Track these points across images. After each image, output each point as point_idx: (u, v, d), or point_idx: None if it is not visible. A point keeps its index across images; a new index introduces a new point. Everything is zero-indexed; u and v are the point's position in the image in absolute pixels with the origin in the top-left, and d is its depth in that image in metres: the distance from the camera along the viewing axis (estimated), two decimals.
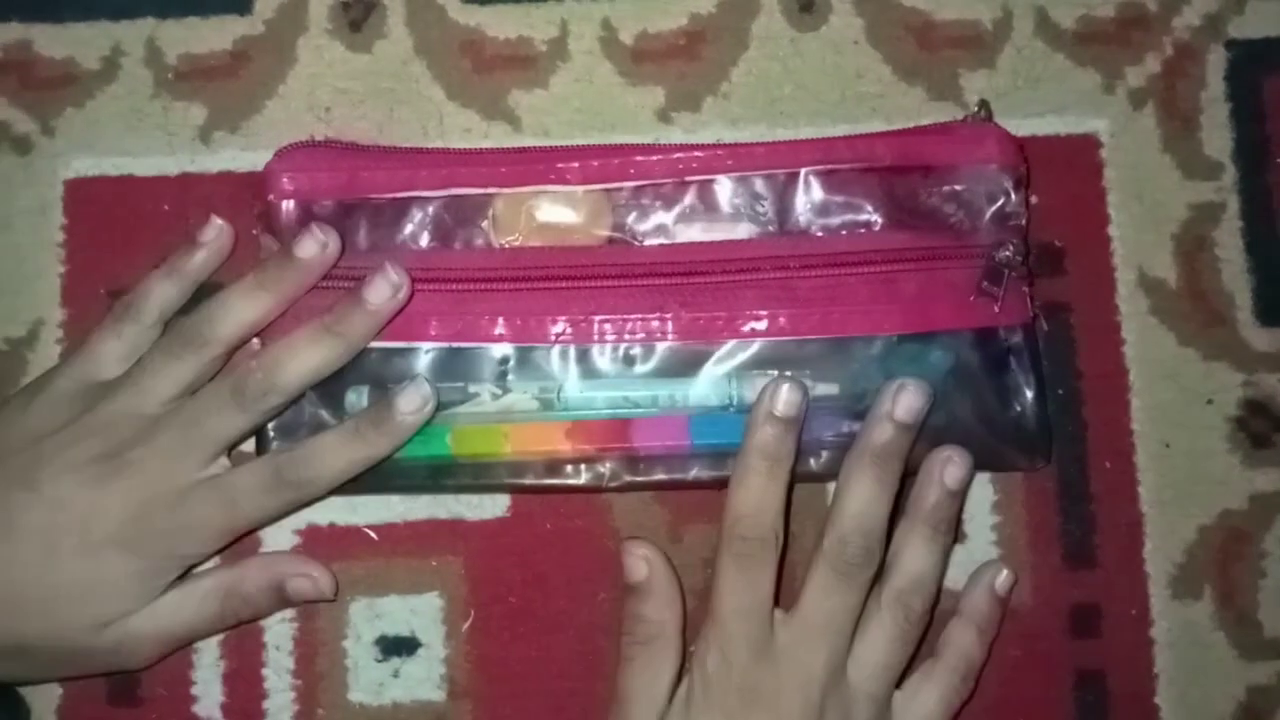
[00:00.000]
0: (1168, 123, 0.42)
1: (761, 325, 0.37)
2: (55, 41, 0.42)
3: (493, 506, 0.40)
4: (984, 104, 0.40)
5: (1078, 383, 0.41)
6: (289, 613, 0.40)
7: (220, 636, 0.40)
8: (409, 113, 0.42)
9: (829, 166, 0.38)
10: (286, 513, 0.38)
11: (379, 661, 0.40)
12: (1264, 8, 0.43)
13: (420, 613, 0.40)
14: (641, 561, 0.36)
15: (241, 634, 0.40)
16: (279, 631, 0.40)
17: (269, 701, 0.40)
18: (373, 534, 0.40)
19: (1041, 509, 0.40)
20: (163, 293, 0.38)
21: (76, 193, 0.42)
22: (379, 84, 0.42)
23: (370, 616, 0.40)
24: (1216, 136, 0.42)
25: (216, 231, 0.39)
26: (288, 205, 0.38)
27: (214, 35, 0.42)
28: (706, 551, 0.40)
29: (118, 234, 0.41)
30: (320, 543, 0.40)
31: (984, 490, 0.41)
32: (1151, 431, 0.41)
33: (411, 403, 0.36)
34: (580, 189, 0.39)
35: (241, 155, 0.42)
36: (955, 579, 0.40)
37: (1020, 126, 0.42)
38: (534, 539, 0.40)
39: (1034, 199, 0.41)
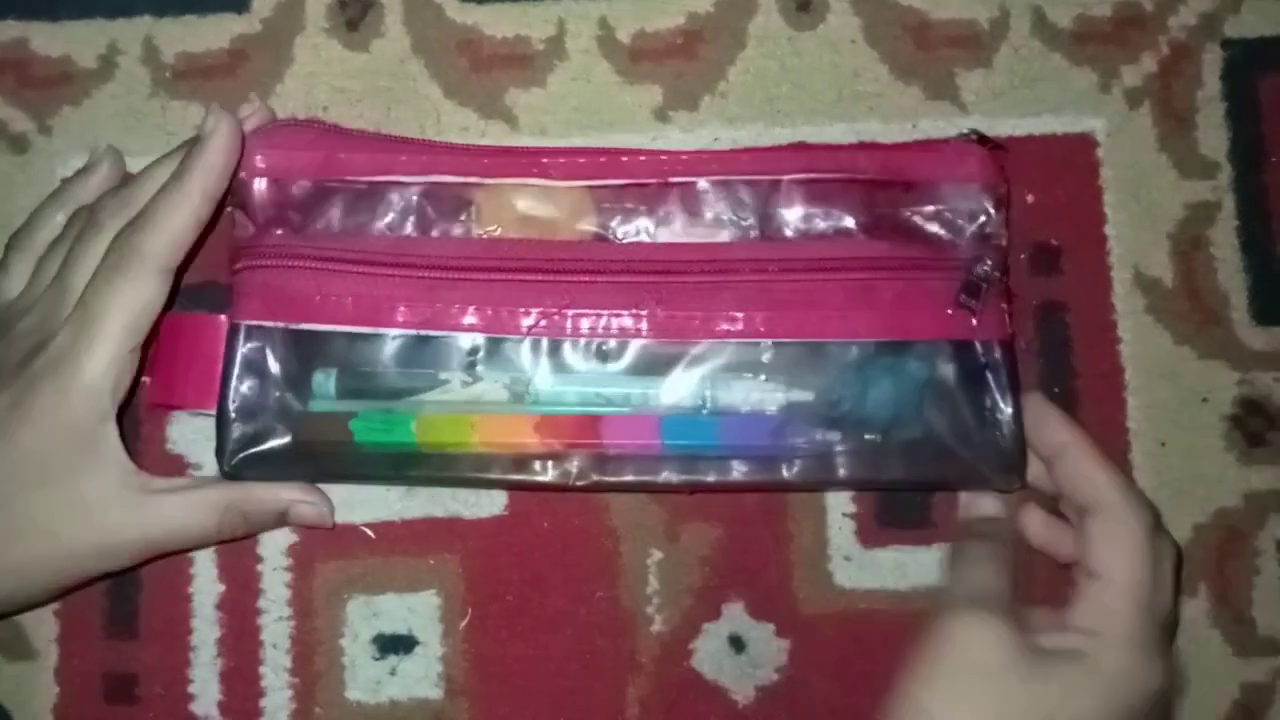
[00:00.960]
0: (1164, 122, 0.42)
1: (737, 326, 0.37)
2: (52, 40, 0.42)
3: (490, 505, 0.40)
4: (975, 133, 0.39)
5: (1074, 381, 0.41)
6: (286, 610, 0.40)
7: (217, 634, 0.40)
8: (406, 111, 0.42)
9: (811, 176, 0.38)
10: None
11: (376, 660, 0.40)
12: (1260, 7, 0.43)
13: (417, 611, 0.40)
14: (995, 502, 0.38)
15: (239, 632, 0.40)
16: (276, 630, 0.40)
17: (266, 700, 0.40)
18: (370, 532, 0.40)
19: None
20: (49, 219, 0.39)
21: None
22: (376, 83, 0.42)
23: (368, 615, 0.40)
24: (1212, 136, 0.42)
25: (101, 157, 0.40)
26: (260, 183, 0.38)
27: (211, 34, 0.42)
28: (705, 550, 0.40)
29: None
30: (318, 541, 0.40)
31: None
32: (1147, 430, 0.41)
33: (210, 120, 0.36)
34: (563, 184, 0.38)
35: None
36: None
37: (1017, 126, 0.42)
38: (531, 538, 0.40)
39: (1030, 198, 0.42)
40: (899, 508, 0.41)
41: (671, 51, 0.43)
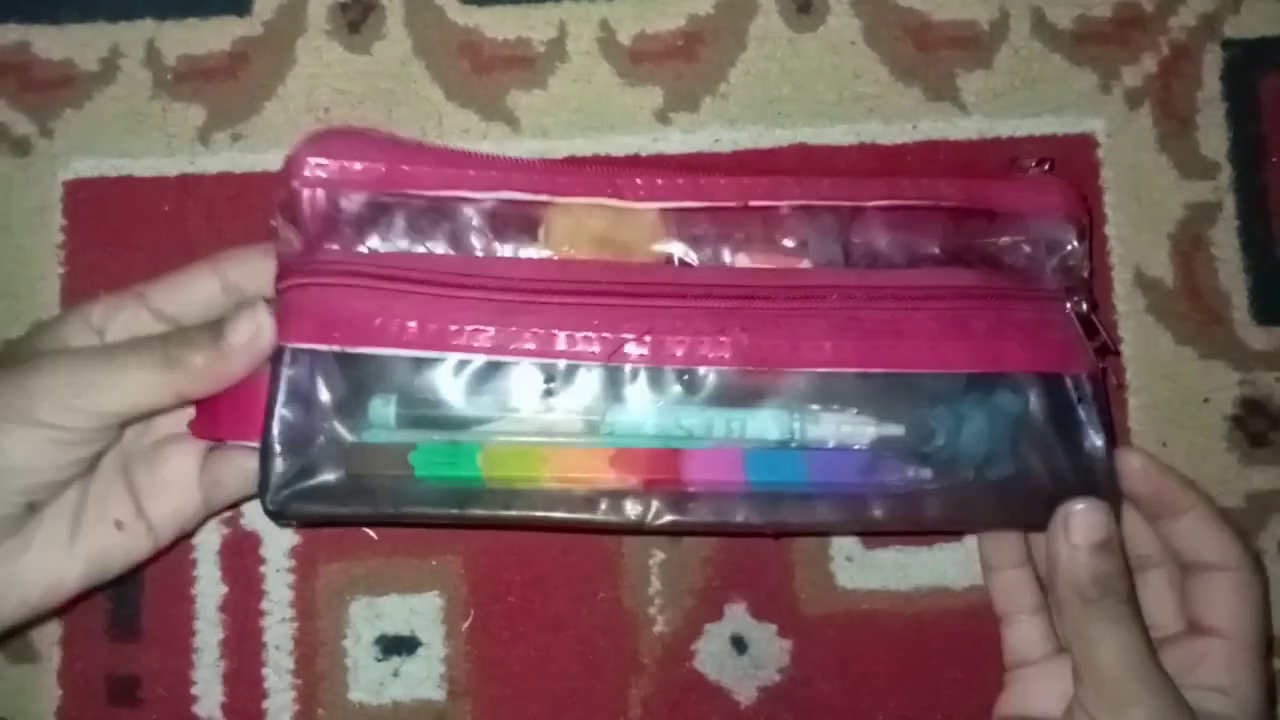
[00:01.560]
0: (1164, 122, 0.42)
1: (826, 355, 0.34)
2: (54, 43, 0.42)
3: None
4: (1048, 162, 0.39)
5: None
6: (289, 612, 0.40)
7: (220, 636, 0.40)
8: (408, 113, 0.42)
9: (894, 202, 0.37)
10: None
11: (379, 661, 0.40)
12: (1260, 7, 0.43)
13: (420, 612, 0.40)
14: (1103, 520, 0.34)
15: (242, 634, 0.40)
16: (279, 631, 0.40)
17: (269, 701, 0.40)
18: (372, 533, 0.40)
19: None
20: None
21: (76, 194, 0.42)
22: (378, 85, 0.42)
23: (370, 616, 0.40)
24: (1213, 136, 0.42)
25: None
26: (314, 194, 0.35)
27: (213, 36, 0.42)
28: (707, 551, 0.40)
29: (117, 235, 0.41)
30: (320, 542, 0.40)
31: None
32: (1148, 430, 0.41)
33: (243, 332, 0.33)
34: (639, 205, 0.36)
35: (241, 156, 0.42)
36: (953, 578, 0.40)
37: (1018, 127, 0.42)
38: (533, 538, 0.40)
39: None
40: None
41: (672, 53, 0.43)
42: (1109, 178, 0.42)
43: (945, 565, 0.40)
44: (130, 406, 0.33)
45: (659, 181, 0.36)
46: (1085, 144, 0.42)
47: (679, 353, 0.34)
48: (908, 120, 0.42)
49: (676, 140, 0.42)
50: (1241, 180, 0.42)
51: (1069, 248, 0.37)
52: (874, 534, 0.40)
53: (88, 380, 0.33)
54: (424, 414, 0.34)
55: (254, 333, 0.33)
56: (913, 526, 0.38)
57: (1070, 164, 0.42)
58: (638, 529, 0.35)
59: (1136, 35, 0.43)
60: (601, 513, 0.34)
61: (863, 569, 0.40)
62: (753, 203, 0.36)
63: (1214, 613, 0.34)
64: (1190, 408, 0.41)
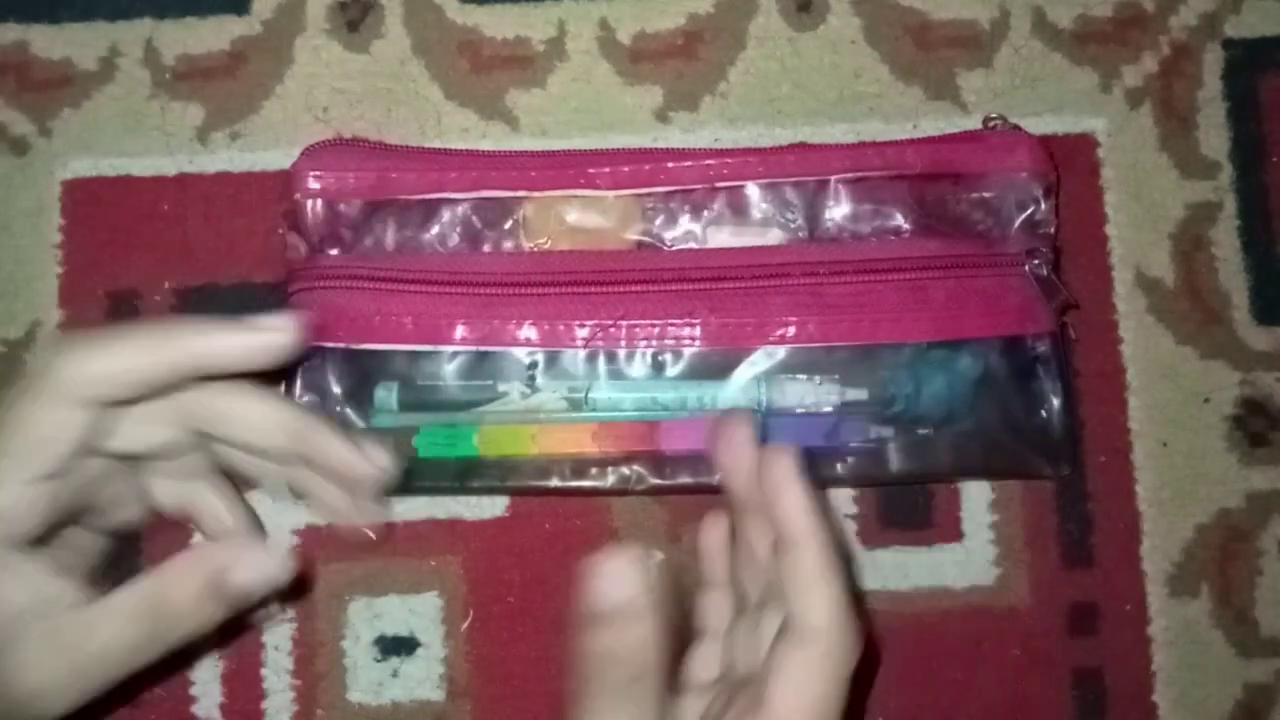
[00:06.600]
0: (1165, 122, 0.42)
1: (790, 332, 0.37)
2: (53, 42, 0.42)
3: (491, 506, 0.40)
4: (1000, 118, 0.40)
5: (1075, 381, 0.41)
6: (287, 613, 0.40)
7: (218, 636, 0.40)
8: (407, 113, 0.42)
9: (859, 174, 0.38)
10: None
11: (378, 661, 0.40)
12: (1261, 7, 0.43)
13: (419, 613, 0.40)
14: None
15: (241, 634, 0.40)
16: (278, 631, 0.40)
17: (268, 702, 0.40)
18: (371, 534, 0.40)
19: (1039, 508, 0.40)
20: None
21: (74, 194, 0.42)
22: (376, 84, 0.42)
23: (369, 616, 0.40)
24: (1213, 136, 0.42)
25: None
26: (314, 204, 0.38)
27: (212, 35, 0.42)
28: None
29: (115, 235, 0.41)
30: (319, 543, 0.40)
31: (982, 489, 0.41)
32: (1149, 430, 0.41)
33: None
34: (610, 194, 0.38)
35: (239, 156, 0.42)
36: (953, 578, 0.40)
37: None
38: (533, 539, 0.40)
39: None
40: (900, 508, 0.41)
41: (672, 52, 0.43)
42: (1109, 177, 0.42)
43: (945, 565, 0.40)
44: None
45: (625, 169, 0.38)
46: (1086, 144, 0.42)
47: (652, 336, 0.37)
48: (908, 119, 0.42)
49: (676, 139, 0.42)
50: (1242, 180, 0.42)
51: (1035, 206, 0.39)
52: (840, 485, 0.40)
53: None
54: (423, 399, 0.38)
55: None
56: (877, 480, 0.39)
57: (1071, 163, 0.42)
58: (623, 492, 0.38)
59: (1137, 35, 0.43)
60: (589, 479, 0.38)
61: (862, 569, 0.40)
62: (719, 184, 0.38)
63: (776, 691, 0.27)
64: (1190, 408, 0.41)
